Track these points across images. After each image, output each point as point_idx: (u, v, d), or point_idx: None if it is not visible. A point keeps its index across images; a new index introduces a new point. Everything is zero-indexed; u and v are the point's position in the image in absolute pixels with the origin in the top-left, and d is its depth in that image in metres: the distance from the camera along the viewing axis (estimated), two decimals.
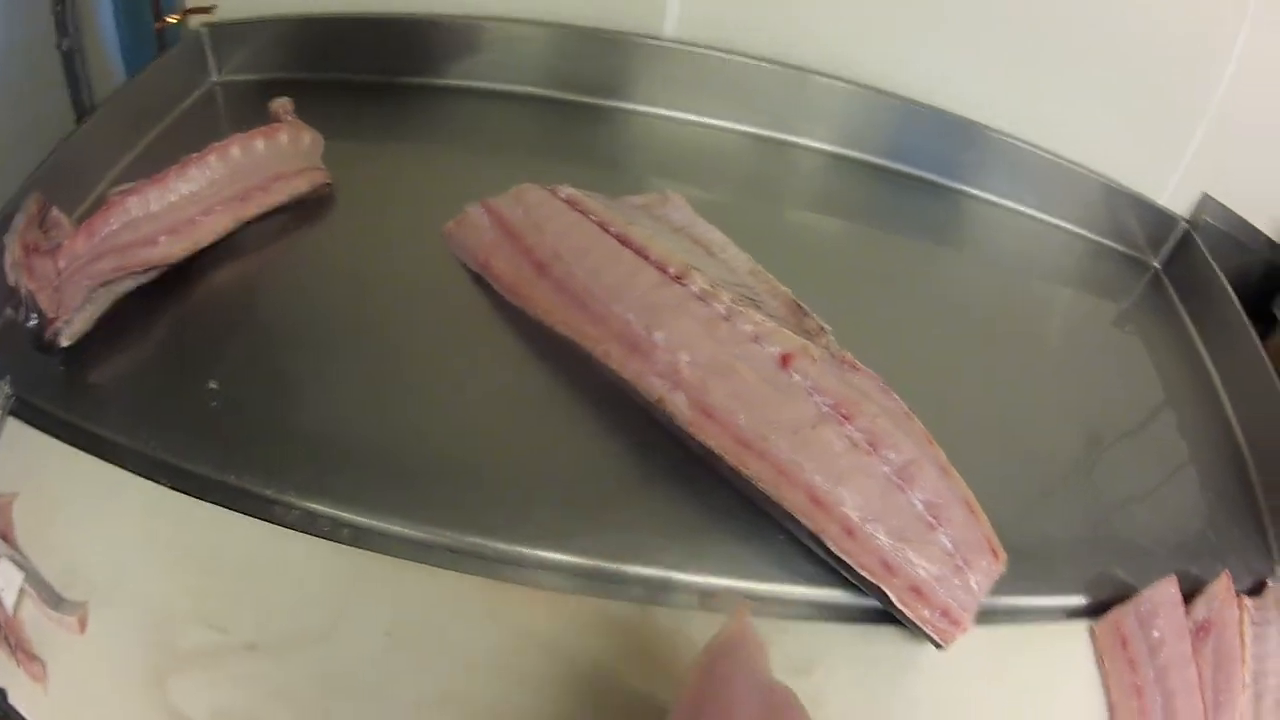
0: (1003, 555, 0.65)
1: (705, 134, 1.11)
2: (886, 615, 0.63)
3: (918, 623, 0.62)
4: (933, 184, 1.09)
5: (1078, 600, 0.72)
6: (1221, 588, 0.75)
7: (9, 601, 0.68)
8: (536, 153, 1.06)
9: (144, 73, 1.15)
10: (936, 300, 0.94)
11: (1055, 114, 1.05)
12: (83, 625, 0.66)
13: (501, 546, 0.63)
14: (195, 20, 1.22)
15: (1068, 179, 1.06)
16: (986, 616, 0.67)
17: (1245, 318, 0.95)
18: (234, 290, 0.87)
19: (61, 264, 0.83)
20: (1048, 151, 1.05)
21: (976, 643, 0.65)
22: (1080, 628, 0.71)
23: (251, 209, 0.90)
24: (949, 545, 0.63)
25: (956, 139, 1.07)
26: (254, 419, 0.73)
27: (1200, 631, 0.73)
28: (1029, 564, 0.70)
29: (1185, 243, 1.05)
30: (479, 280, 0.83)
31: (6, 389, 0.78)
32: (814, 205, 1.07)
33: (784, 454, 0.62)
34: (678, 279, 0.71)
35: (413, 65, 1.15)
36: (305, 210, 0.93)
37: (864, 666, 0.64)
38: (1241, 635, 0.74)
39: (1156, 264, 1.07)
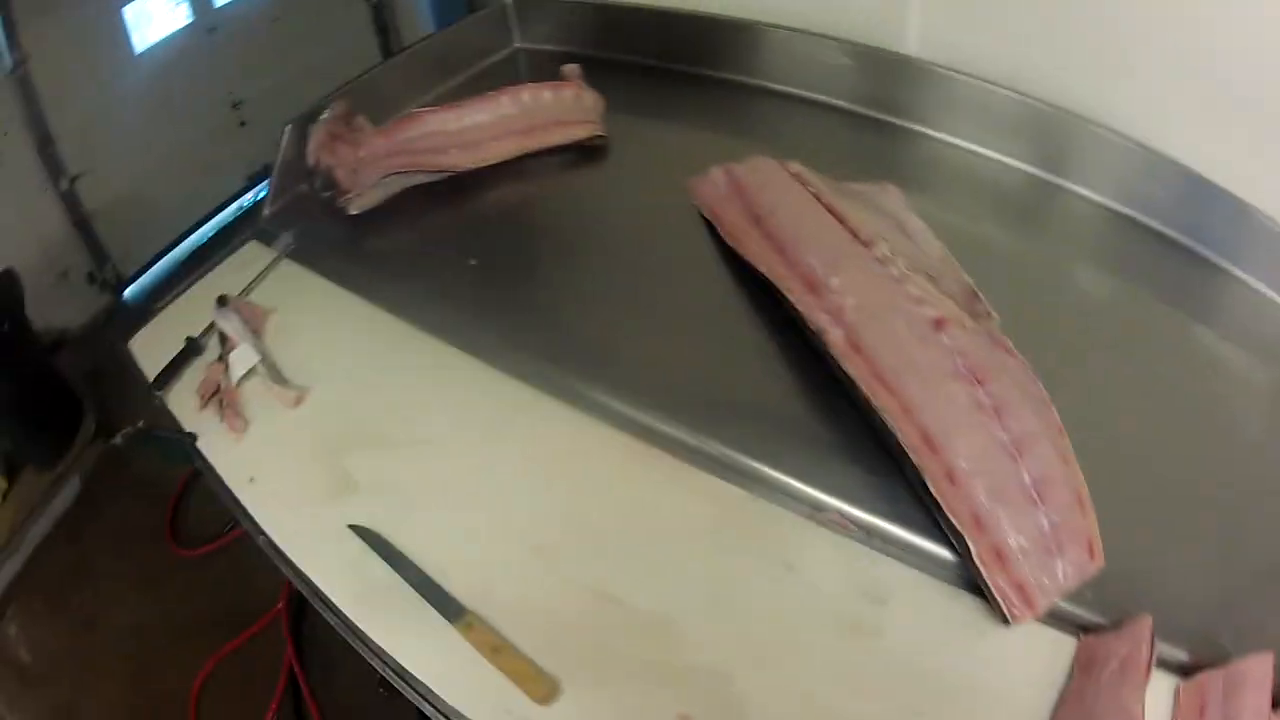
0: (1100, 557, 0.69)
1: (964, 157, 1.16)
2: (970, 583, 0.70)
3: (992, 589, 0.67)
4: (1198, 256, 1.04)
5: (1177, 653, 0.71)
6: None
7: (236, 375, 0.92)
8: (794, 153, 1.08)
9: (451, 28, 1.43)
10: (1171, 373, 0.92)
11: None
12: (298, 401, 0.90)
13: (660, 426, 0.81)
14: None
15: None
16: (1075, 626, 0.70)
17: None
18: (506, 204, 1.10)
19: (361, 153, 1.09)
20: None
21: (1057, 646, 0.69)
22: (1167, 680, 0.70)
23: (534, 142, 1.13)
24: (1045, 525, 0.69)
25: (1230, 217, 1.02)
26: (498, 294, 0.95)
27: None
28: (1142, 598, 0.71)
29: None
30: (709, 226, 1.00)
31: (289, 239, 1.08)
32: (1064, 251, 1.07)
33: (911, 392, 0.74)
34: (866, 243, 0.84)
35: (693, 56, 1.33)
36: (580, 155, 1.15)
37: (933, 618, 0.71)
38: None
39: None
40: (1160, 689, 0.68)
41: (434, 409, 0.86)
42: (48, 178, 1.79)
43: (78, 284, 1.90)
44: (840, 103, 1.24)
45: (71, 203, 1.84)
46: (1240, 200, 0.99)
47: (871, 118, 1.21)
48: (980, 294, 0.86)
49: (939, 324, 0.77)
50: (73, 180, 1.82)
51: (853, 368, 0.77)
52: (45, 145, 1.76)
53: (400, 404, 0.87)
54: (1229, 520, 0.79)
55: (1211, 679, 0.70)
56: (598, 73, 1.21)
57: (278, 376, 0.91)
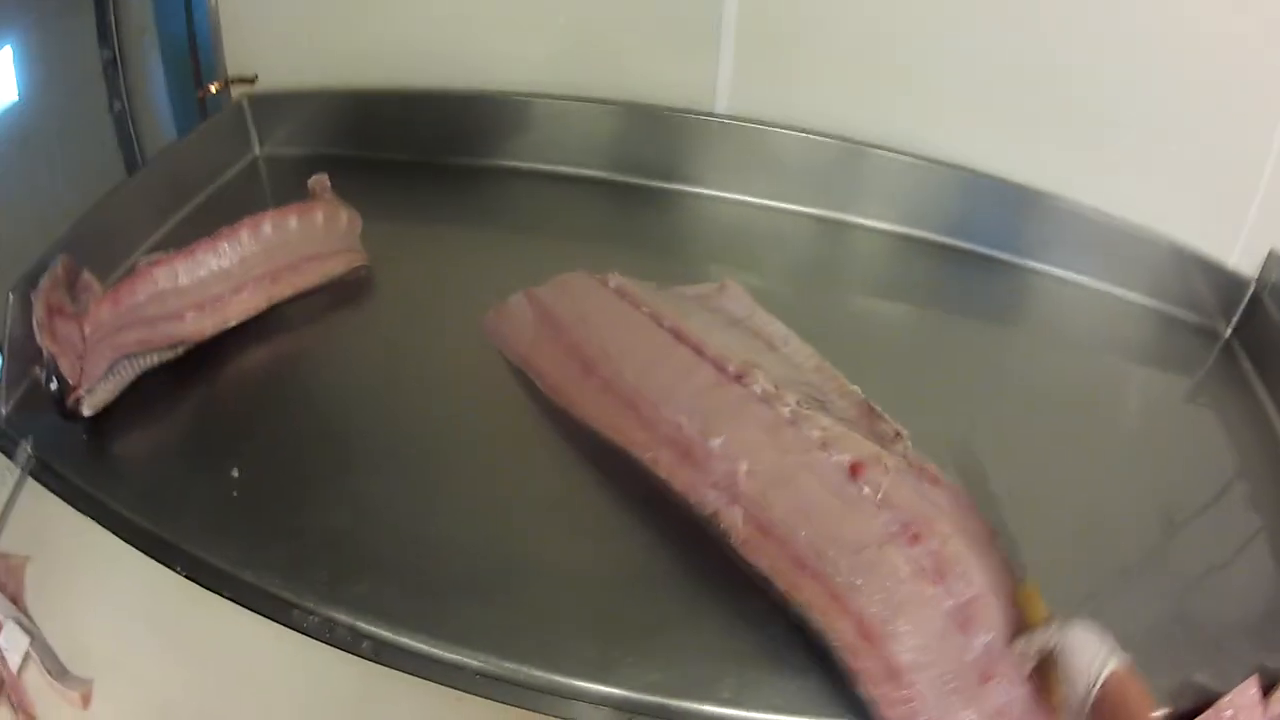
0: None
1: (760, 215, 1.15)
2: None
3: None
4: (997, 260, 1.11)
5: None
6: None
7: (14, 662, 0.75)
8: (586, 237, 1.12)
9: (184, 141, 1.25)
10: (1005, 382, 0.95)
11: (1117, 179, 1.05)
12: (86, 701, 0.73)
13: (535, 674, 0.61)
14: (237, 91, 1.29)
15: (1134, 246, 1.06)
16: None
17: None
18: (262, 374, 0.90)
19: (87, 330, 0.86)
20: (1112, 218, 1.05)
21: None
22: None
23: (284, 289, 0.93)
24: (1002, 701, 0.57)
25: (1019, 210, 1.09)
26: (276, 514, 0.74)
27: None
28: None
29: (1254, 305, 1.03)
30: (520, 374, 0.84)
31: (28, 450, 0.83)
32: (875, 289, 1.10)
33: (840, 574, 0.60)
34: (738, 378, 0.71)
35: (458, 144, 1.22)
36: (341, 293, 0.96)
37: None
38: None
39: (1227, 331, 1.05)
40: None
41: (244, 698, 0.70)
42: None
43: None
44: (621, 176, 1.19)
45: None
46: (1079, 205, 1.05)
47: (656, 188, 1.18)
48: (877, 407, 0.74)
49: (855, 470, 0.64)
50: None
51: (764, 558, 0.62)
52: None
53: (200, 695, 0.71)
54: (1152, 533, 0.78)
55: None
56: (349, 177, 1.04)
57: (55, 665, 0.75)
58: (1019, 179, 1.07)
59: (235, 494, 0.75)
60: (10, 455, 0.83)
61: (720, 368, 0.72)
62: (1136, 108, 1.01)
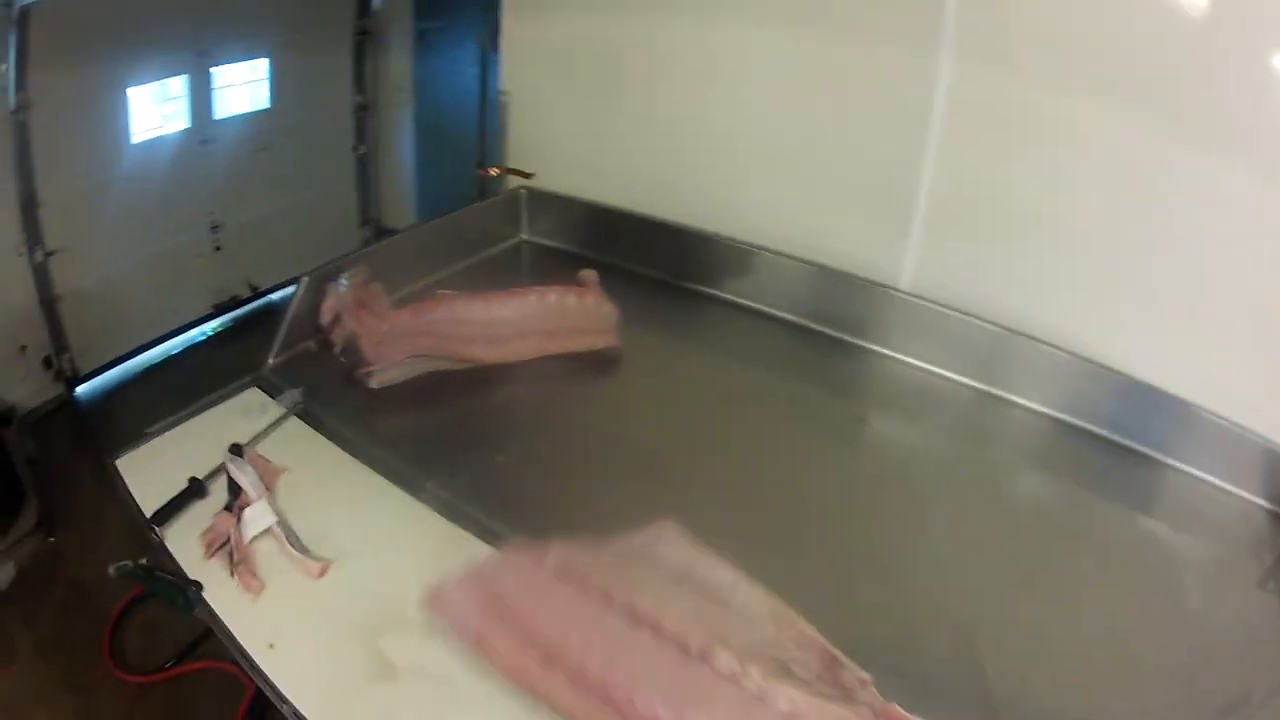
0: None
1: (924, 377, 1.26)
2: None
3: None
4: (1123, 447, 1.14)
5: None
6: None
7: (249, 533, 0.87)
8: (780, 371, 1.28)
9: (466, 210, 1.50)
10: (1109, 556, 1.00)
11: (1218, 375, 1.10)
12: (321, 573, 0.85)
13: None
14: (513, 181, 1.57)
15: (1237, 443, 1.08)
16: None
17: None
18: (523, 403, 1.13)
19: (385, 327, 1.14)
20: (1224, 419, 1.09)
21: None
22: None
23: (554, 346, 1.19)
24: None
25: (1149, 408, 1.13)
26: (531, 491, 0.97)
27: None
28: None
29: None
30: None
31: (297, 396, 1.07)
32: (1011, 456, 1.17)
33: None
34: (702, 658, 0.70)
35: (690, 271, 1.43)
36: (596, 363, 1.21)
37: None
38: None
39: None
40: None
41: None
42: (25, 244, 1.79)
43: (34, 365, 1.88)
44: (816, 325, 1.35)
45: (43, 278, 1.84)
46: (1177, 397, 1.11)
47: (855, 344, 1.32)
48: (840, 656, 0.74)
49: None
50: (48, 255, 1.82)
51: None
52: (30, 207, 1.76)
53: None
54: (1211, 706, 0.84)
55: None
56: (601, 276, 1.28)
57: (297, 543, 0.88)
58: (1148, 379, 1.12)
59: (499, 467, 0.98)
60: (273, 396, 1.07)
61: (683, 647, 0.71)
62: (1240, 319, 1.08)
